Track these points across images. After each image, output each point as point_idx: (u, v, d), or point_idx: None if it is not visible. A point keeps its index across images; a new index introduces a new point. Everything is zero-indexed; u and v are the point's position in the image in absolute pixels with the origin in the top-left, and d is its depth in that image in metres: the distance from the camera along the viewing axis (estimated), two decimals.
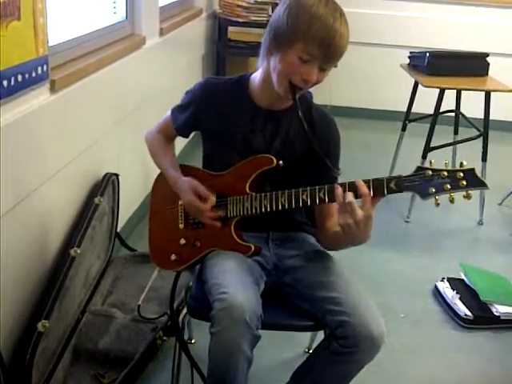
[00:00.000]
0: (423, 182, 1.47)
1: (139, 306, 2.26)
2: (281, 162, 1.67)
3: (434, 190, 1.46)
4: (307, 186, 1.61)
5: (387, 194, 1.50)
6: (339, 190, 1.53)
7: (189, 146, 3.59)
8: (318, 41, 1.53)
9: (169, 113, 1.87)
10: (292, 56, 1.56)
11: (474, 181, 1.45)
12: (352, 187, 1.52)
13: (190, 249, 1.78)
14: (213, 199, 1.72)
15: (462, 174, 1.45)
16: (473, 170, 1.46)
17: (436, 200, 1.48)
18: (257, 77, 1.73)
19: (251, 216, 1.69)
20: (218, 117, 1.74)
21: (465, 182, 1.45)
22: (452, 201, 1.47)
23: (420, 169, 1.49)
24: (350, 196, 1.50)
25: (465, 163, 1.47)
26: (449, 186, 1.45)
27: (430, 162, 1.50)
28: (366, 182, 1.51)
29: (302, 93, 1.65)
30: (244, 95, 1.74)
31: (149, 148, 1.93)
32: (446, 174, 1.46)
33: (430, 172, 1.47)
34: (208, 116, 1.76)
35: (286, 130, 1.74)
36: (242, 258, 1.68)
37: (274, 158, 1.67)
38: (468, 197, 1.46)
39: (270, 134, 1.74)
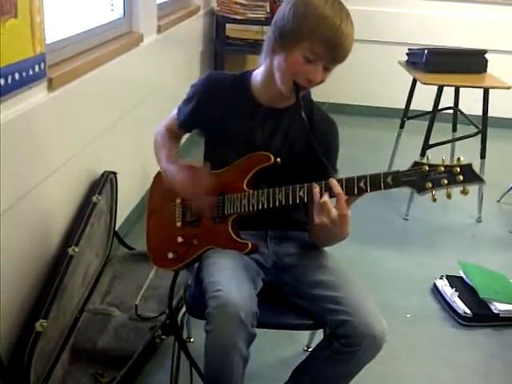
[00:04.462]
0: (420, 178, 1.47)
1: (136, 305, 2.26)
2: (278, 159, 1.66)
3: (430, 185, 1.46)
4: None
5: (384, 188, 1.50)
6: (317, 189, 1.55)
7: (188, 145, 3.58)
8: (325, 42, 1.53)
9: (176, 109, 1.88)
10: (297, 55, 1.57)
11: (470, 176, 1.44)
12: (327, 187, 1.54)
13: (188, 247, 1.77)
14: (209, 176, 1.69)
15: (458, 169, 1.44)
16: (470, 165, 1.45)
17: (433, 195, 1.48)
18: (259, 74, 1.73)
19: (249, 213, 1.68)
20: (218, 112, 1.74)
21: (461, 177, 1.44)
22: (449, 196, 1.47)
23: (417, 164, 1.48)
24: (325, 196, 1.53)
25: (462, 158, 1.46)
26: (446, 181, 1.45)
27: (427, 158, 1.50)
28: (340, 180, 1.54)
29: (304, 92, 1.66)
30: (245, 92, 1.74)
31: (154, 144, 1.92)
32: (442, 169, 1.45)
33: (427, 167, 1.46)
34: (209, 110, 1.76)
35: (286, 128, 1.74)
36: (239, 255, 1.68)
37: (271, 155, 1.67)
38: (465, 192, 1.46)
39: (270, 132, 1.74)
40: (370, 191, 1.51)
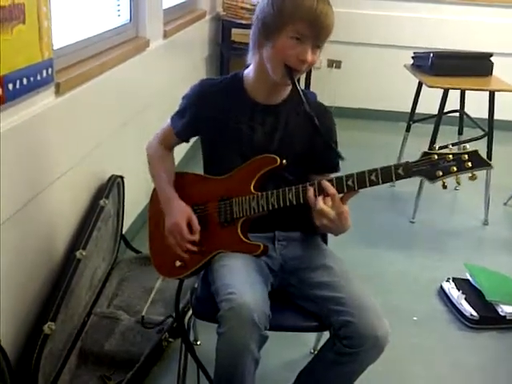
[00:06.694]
0: (430, 166, 1.52)
1: (143, 316, 2.26)
2: (284, 161, 1.67)
3: (441, 174, 1.52)
4: (308, 177, 1.65)
5: (396, 179, 1.54)
6: (311, 192, 1.58)
7: (190, 152, 3.59)
8: (307, 21, 1.55)
9: (168, 121, 1.87)
10: (284, 39, 1.59)
11: (478, 161, 1.51)
12: (320, 188, 1.57)
13: (195, 253, 1.76)
14: (197, 236, 1.73)
15: (466, 157, 1.50)
16: (476, 151, 1.51)
17: (443, 183, 1.53)
18: (250, 72, 1.74)
19: (258, 215, 1.68)
20: (216, 117, 1.75)
21: (470, 164, 1.50)
22: (458, 182, 1.54)
23: (426, 154, 1.53)
24: (319, 203, 1.55)
25: (468, 146, 1.52)
26: (455, 169, 1.51)
27: (435, 147, 1.55)
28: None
29: (298, 75, 1.66)
30: (240, 92, 1.75)
31: (148, 160, 1.92)
32: (451, 157, 1.51)
33: (436, 156, 1.52)
34: (206, 117, 1.76)
35: (285, 122, 1.74)
36: (250, 258, 1.68)
37: (277, 157, 1.67)
38: (473, 178, 1.51)
39: (270, 128, 1.74)
40: (382, 183, 1.55)
